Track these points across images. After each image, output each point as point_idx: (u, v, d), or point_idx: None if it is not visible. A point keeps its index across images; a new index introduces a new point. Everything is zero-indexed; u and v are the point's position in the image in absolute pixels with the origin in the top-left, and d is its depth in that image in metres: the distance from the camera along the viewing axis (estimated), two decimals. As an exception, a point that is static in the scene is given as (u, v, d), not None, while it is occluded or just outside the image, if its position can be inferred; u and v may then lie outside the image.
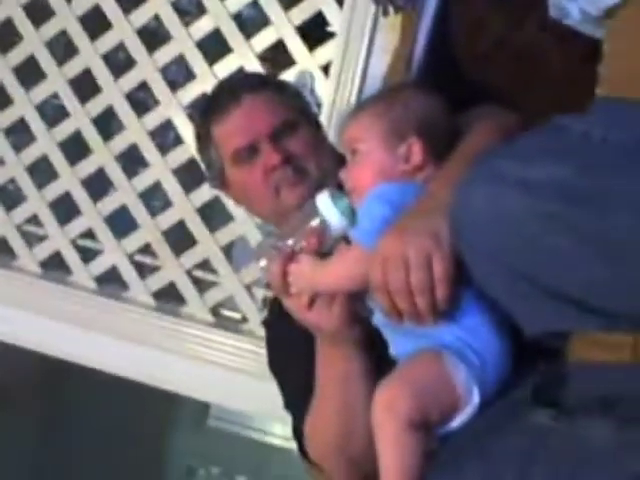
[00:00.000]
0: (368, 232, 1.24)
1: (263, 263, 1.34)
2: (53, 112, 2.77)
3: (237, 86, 1.61)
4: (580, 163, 1.04)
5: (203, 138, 1.62)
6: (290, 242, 1.30)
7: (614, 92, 1.12)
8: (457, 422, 1.19)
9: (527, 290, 1.08)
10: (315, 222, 1.30)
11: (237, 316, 2.54)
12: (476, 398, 1.19)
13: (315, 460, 1.44)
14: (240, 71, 2.39)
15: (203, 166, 1.67)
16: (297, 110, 1.59)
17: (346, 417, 1.35)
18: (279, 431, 3.65)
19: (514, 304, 1.12)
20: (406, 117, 1.31)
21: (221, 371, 2.44)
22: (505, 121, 1.36)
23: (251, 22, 2.68)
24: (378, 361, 1.33)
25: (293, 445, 1.53)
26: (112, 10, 2.53)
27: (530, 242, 1.05)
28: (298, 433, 1.47)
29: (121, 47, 2.56)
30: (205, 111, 1.63)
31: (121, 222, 2.64)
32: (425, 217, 1.18)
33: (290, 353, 1.53)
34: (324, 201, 1.31)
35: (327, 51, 2.34)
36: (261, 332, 1.77)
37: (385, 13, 1.78)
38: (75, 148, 2.64)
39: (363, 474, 1.35)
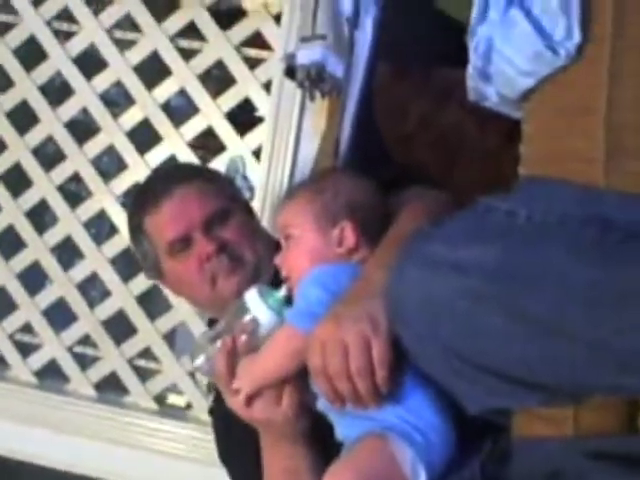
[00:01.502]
0: (301, 313, 1.25)
1: (198, 362, 1.34)
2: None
3: (168, 178, 1.62)
4: (507, 243, 1.06)
5: (136, 230, 1.62)
6: (219, 343, 1.31)
7: (535, 171, 1.15)
8: (406, 506, 1.19)
9: (464, 369, 1.09)
10: (246, 319, 1.31)
11: (181, 403, 2.51)
12: (423, 479, 1.18)
13: None
14: (172, 160, 2.40)
15: (138, 257, 1.67)
16: (229, 198, 1.60)
17: None
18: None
19: (453, 383, 1.14)
20: (337, 201, 1.33)
21: (168, 460, 2.41)
22: (435, 202, 1.39)
23: (180, 110, 2.70)
24: (324, 446, 1.33)
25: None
26: (39, 104, 2.53)
27: (463, 323, 1.06)
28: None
29: (50, 140, 2.56)
30: (137, 204, 1.63)
31: (59, 314, 2.61)
32: (361, 302, 1.20)
33: (239, 442, 1.51)
34: (252, 298, 1.32)
35: (257, 136, 2.37)
36: (207, 417, 1.75)
37: (312, 98, 1.81)
38: (8, 242, 2.62)
39: None
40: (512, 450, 1.14)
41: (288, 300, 1.32)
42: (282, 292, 1.32)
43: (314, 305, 1.24)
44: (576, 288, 1.01)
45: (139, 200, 1.64)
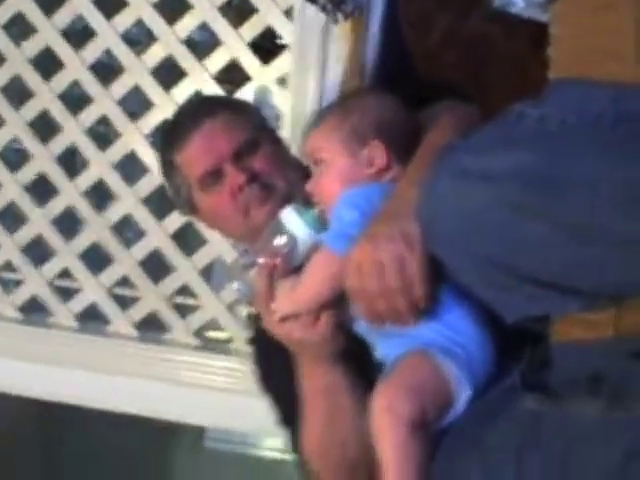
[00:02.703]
0: (337, 235, 1.26)
1: (236, 285, 1.35)
2: (15, 156, 2.75)
3: (195, 112, 1.61)
4: (539, 148, 1.05)
5: (167, 166, 1.62)
6: (261, 260, 1.31)
7: (565, 74, 1.13)
8: (451, 417, 1.20)
9: (502, 278, 1.09)
10: (283, 237, 1.31)
11: (222, 336, 2.54)
12: (467, 391, 1.20)
13: (317, 476, 1.44)
14: (198, 95, 2.39)
15: (171, 194, 1.67)
16: (257, 128, 1.59)
17: (335, 430, 1.36)
18: (279, 445, 3.64)
19: (490, 293, 1.14)
20: (365, 121, 1.32)
21: (212, 393, 2.43)
22: (464, 114, 1.38)
23: (203, 44, 2.68)
24: (363, 366, 1.34)
25: (293, 457, 1.53)
26: (63, 49, 2.52)
27: (499, 232, 1.06)
28: (297, 448, 1.47)
29: (76, 84, 2.55)
30: (166, 141, 1.64)
31: (96, 258, 2.63)
32: (394, 220, 1.20)
33: (278, 368, 1.52)
34: (289, 215, 1.32)
35: (282, 64, 2.34)
36: (247, 349, 1.77)
37: (335, 21, 1.79)
38: (41, 189, 2.63)
39: None
40: (552, 356, 1.14)
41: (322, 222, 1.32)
42: (316, 211, 1.32)
43: (348, 227, 1.25)
44: (612, 188, 1.00)
45: (168, 136, 1.64)
